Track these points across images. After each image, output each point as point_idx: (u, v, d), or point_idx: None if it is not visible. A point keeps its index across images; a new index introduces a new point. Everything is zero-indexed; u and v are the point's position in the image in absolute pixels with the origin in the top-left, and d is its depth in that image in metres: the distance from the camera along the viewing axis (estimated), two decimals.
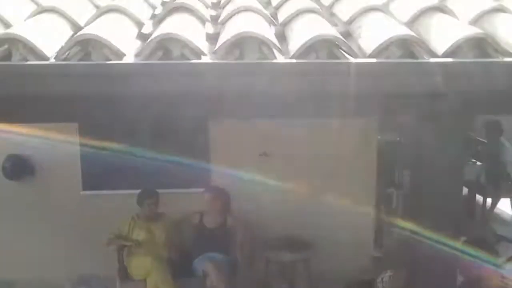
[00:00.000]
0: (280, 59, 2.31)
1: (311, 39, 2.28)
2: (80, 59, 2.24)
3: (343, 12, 2.90)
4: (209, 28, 2.82)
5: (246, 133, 5.35)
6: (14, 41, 2.22)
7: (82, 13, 2.75)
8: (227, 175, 5.44)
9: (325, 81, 2.28)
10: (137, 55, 2.31)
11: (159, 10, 3.15)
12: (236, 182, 5.41)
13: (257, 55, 2.28)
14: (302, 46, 2.28)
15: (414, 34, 2.38)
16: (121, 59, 2.24)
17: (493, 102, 2.64)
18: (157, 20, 2.75)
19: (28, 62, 2.17)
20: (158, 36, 2.27)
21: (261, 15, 2.71)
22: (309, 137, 5.36)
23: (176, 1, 2.81)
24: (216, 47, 2.31)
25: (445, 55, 2.35)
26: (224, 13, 2.86)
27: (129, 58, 2.28)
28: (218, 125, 5.47)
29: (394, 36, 2.31)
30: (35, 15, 2.61)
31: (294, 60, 2.27)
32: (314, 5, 2.85)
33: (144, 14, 2.94)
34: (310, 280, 5.57)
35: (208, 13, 3.01)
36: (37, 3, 2.85)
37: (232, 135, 5.42)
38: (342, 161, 5.60)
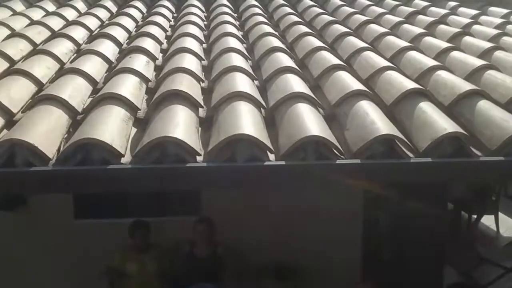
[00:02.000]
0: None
1: (300, 139, 2.41)
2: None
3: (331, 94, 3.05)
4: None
5: None
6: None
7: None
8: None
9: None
10: (135, 156, 2.42)
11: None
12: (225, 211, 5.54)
13: (249, 155, 2.40)
14: (291, 146, 2.41)
15: (396, 134, 2.52)
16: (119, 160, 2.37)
17: None
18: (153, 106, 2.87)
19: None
20: (157, 138, 2.38)
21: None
22: None
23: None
24: (209, 148, 2.43)
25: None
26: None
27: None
28: None
29: (377, 136, 2.45)
30: None
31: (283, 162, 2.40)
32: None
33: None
34: None
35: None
36: None
37: None
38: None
